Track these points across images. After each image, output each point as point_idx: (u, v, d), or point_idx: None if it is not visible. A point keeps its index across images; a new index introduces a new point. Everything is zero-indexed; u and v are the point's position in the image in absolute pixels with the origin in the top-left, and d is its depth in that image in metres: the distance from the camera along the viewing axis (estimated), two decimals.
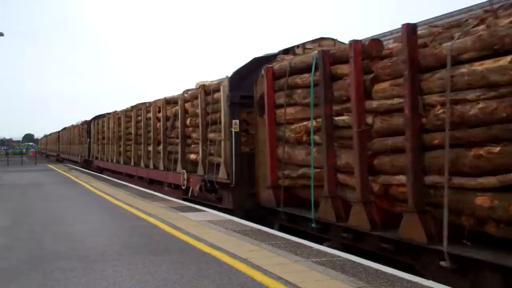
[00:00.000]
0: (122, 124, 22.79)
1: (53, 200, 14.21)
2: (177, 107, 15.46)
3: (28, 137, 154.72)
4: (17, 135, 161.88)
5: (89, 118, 37.53)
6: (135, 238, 8.08)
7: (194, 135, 14.02)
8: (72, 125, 46.73)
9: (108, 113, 28.11)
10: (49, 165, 39.43)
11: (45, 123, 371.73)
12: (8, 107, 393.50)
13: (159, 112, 17.64)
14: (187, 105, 14.75)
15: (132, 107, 21.83)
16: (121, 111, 23.73)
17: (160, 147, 16.86)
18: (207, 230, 8.64)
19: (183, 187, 13.97)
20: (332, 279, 5.38)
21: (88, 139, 32.70)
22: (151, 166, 17.69)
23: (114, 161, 24.25)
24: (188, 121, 14.54)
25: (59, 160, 51.70)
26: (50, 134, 74.91)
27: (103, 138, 27.96)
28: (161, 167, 16.44)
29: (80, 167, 34.02)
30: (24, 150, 72.95)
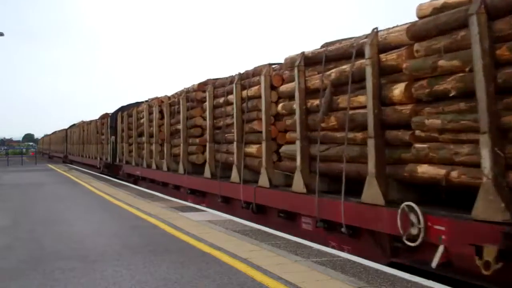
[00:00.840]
0: (181, 112, 14.61)
1: (53, 200, 13.92)
2: (345, 68, 7.59)
3: (28, 137, 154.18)
4: (17, 135, 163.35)
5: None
6: (135, 238, 7.92)
7: (436, 122, 5.95)
8: (82, 121, 39.00)
9: (146, 101, 20.11)
10: (49, 165, 38.68)
11: (45, 123, 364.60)
12: (8, 107, 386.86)
13: (273, 86, 9.86)
14: (393, 58, 6.74)
15: (201, 84, 13.87)
16: (176, 93, 15.77)
17: (295, 147, 8.70)
18: (207, 230, 8.44)
19: (412, 243, 5.97)
20: (332, 279, 5.26)
21: (113, 137, 23.89)
22: (264, 182, 9.63)
23: (163, 168, 16.14)
24: (397, 92, 6.56)
25: (66, 162, 43.51)
26: (55, 133, 64.92)
27: (140, 135, 19.75)
28: (299, 186, 8.45)
29: (100, 173, 25.79)
30: (24, 150, 71.48)
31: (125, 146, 22.07)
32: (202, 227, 8.78)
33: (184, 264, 6.11)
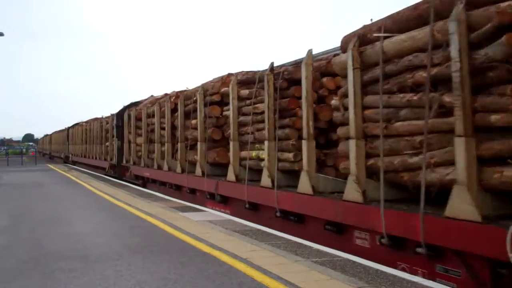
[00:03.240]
0: None
1: (53, 200, 13.95)
2: None
3: (28, 137, 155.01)
4: (17, 135, 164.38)
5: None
6: (135, 238, 7.92)
7: None
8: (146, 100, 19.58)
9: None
10: (49, 165, 38.78)
11: (45, 123, 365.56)
12: (8, 107, 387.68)
13: None
14: None
15: None
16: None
17: None
18: (207, 230, 8.47)
19: None
20: (332, 279, 5.26)
21: None
22: None
23: None
24: None
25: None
26: (86, 123, 36.89)
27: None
28: None
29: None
30: (24, 150, 71.25)
31: None
32: (202, 227, 8.81)
33: (184, 264, 6.10)
